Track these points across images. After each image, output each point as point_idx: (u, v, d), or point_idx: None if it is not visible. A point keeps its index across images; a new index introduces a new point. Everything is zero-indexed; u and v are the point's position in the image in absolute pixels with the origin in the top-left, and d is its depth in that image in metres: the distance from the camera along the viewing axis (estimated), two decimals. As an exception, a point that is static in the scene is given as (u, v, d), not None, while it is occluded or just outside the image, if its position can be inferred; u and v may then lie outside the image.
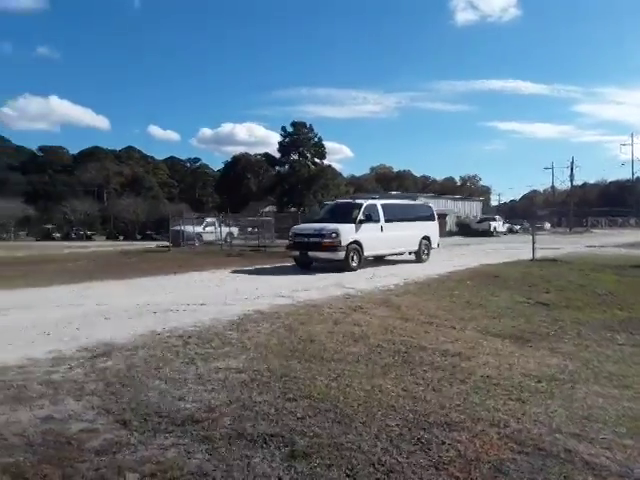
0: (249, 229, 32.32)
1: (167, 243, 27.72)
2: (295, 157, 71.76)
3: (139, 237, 54.71)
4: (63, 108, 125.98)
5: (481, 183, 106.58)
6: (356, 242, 13.41)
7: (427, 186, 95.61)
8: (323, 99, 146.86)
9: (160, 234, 47.26)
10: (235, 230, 30.83)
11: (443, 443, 3.18)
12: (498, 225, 44.03)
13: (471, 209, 51.50)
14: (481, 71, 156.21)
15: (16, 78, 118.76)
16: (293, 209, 53.16)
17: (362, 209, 13.95)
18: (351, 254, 13.25)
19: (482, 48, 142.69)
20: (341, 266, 13.12)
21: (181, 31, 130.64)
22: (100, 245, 36.67)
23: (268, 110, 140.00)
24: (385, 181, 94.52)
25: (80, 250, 27.64)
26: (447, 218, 45.45)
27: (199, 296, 9.03)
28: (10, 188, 67.91)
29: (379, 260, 15.66)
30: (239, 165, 77.89)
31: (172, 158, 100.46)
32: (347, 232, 13.29)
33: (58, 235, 57.14)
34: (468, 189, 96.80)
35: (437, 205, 46.09)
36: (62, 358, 5.01)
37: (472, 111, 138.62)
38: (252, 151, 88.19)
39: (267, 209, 53.07)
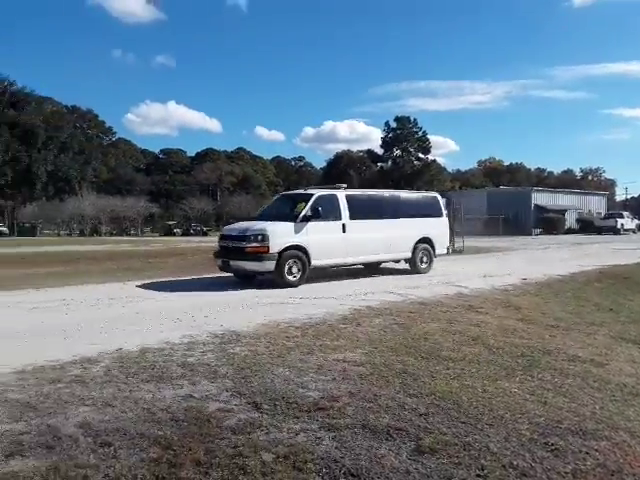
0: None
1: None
2: (398, 152, 71.08)
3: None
4: (180, 113, 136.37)
5: (605, 176, 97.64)
6: (297, 247, 10.00)
7: (542, 180, 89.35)
8: (426, 92, 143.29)
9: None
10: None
11: (580, 451, 3.00)
12: (626, 222, 39.90)
13: (594, 204, 47.19)
14: (602, 54, 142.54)
15: (138, 86, 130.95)
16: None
17: (310, 202, 10.32)
18: (287, 264, 9.85)
19: (602, 29, 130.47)
20: (275, 280, 9.82)
21: (283, 34, 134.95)
22: (216, 241, 39.13)
23: (369, 107, 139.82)
24: (494, 175, 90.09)
25: (200, 244, 29.75)
26: (566, 214, 42.18)
27: (309, 289, 9.34)
28: (137, 188, 75.03)
29: (375, 269, 12.50)
30: (341, 162, 78.84)
31: (278, 157, 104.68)
32: (280, 234, 9.91)
33: (178, 231, 62.00)
34: (590, 183, 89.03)
35: (554, 200, 43.22)
36: (195, 343, 5.47)
37: (592, 98, 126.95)
38: (353, 148, 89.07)
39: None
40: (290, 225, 10.11)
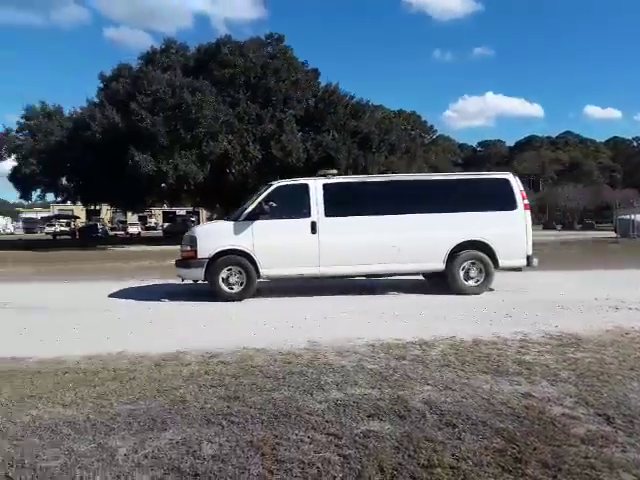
0: None
1: (613, 234, 25.32)
2: None
3: (578, 227, 52.09)
4: (497, 102, 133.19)
5: None
6: (238, 252, 8.20)
7: None
8: None
9: (601, 223, 43.67)
10: None
11: None
12: None
13: None
14: None
15: (456, 82, 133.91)
16: None
17: (260, 197, 8.43)
18: (222, 273, 8.17)
19: None
20: (212, 291, 8.32)
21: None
22: (541, 234, 36.90)
23: None
24: None
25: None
26: None
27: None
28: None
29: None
30: None
31: (614, 139, 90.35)
32: (212, 236, 8.49)
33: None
34: None
35: None
36: (528, 341, 5.32)
37: None
38: None
39: None
40: (228, 225, 8.49)
